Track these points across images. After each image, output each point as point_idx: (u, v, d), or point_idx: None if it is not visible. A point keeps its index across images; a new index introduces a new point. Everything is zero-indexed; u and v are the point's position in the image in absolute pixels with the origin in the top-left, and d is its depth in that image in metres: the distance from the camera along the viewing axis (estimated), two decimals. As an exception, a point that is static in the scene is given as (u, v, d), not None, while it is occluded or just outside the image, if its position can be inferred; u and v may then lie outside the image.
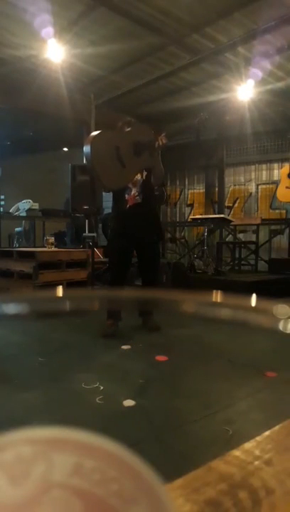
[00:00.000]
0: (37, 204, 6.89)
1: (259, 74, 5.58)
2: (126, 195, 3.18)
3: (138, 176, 3.18)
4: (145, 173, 3.20)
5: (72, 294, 0.24)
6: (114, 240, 3.35)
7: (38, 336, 3.01)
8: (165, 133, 3.20)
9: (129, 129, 3.18)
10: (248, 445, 0.31)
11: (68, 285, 4.47)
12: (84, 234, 5.70)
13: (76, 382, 2.06)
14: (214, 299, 0.22)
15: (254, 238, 6.75)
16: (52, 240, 5.12)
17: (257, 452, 0.30)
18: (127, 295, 0.25)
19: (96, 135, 3.00)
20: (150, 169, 3.18)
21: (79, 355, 2.61)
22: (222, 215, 6.65)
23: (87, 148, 2.96)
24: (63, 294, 0.23)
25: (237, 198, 8.03)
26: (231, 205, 8.09)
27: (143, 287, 3.47)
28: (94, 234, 5.51)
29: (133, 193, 3.17)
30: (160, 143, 3.15)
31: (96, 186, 4.68)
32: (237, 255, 6.65)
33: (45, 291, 0.23)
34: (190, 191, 8.65)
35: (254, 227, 6.87)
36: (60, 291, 0.22)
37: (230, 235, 7.29)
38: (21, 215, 6.92)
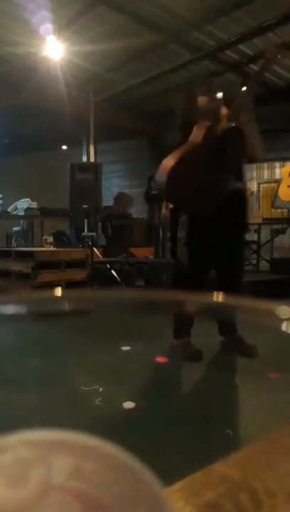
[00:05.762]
0: (35, 203, 6.87)
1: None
2: None
3: None
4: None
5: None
6: (194, 241, 2.56)
7: (36, 337, 3.00)
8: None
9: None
10: (248, 447, 0.31)
11: (67, 285, 4.45)
12: (83, 233, 5.66)
13: (75, 384, 2.05)
14: (214, 299, 0.22)
15: (255, 238, 6.72)
16: (50, 239, 5.11)
17: (257, 454, 0.30)
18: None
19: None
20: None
21: (78, 357, 2.60)
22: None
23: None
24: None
25: (237, 198, 8.01)
26: (231, 204, 8.07)
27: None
28: (94, 233, 5.49)
29: None
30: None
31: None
32: (237, 255, 6.63)
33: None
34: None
35: (256, 227, 6.84)
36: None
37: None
38: (19, 214, 6.89)
